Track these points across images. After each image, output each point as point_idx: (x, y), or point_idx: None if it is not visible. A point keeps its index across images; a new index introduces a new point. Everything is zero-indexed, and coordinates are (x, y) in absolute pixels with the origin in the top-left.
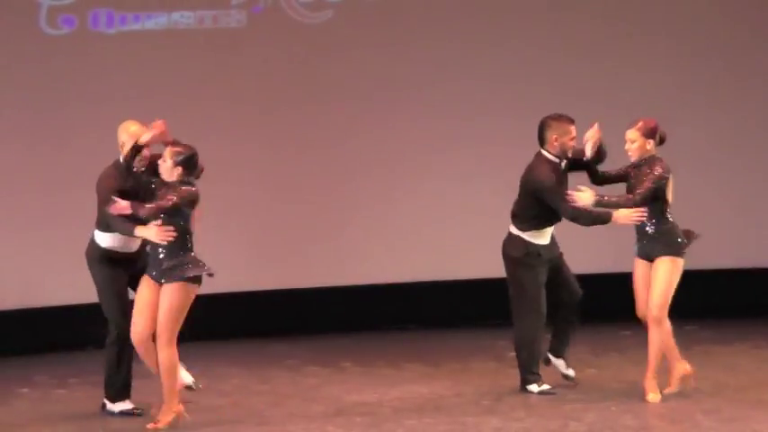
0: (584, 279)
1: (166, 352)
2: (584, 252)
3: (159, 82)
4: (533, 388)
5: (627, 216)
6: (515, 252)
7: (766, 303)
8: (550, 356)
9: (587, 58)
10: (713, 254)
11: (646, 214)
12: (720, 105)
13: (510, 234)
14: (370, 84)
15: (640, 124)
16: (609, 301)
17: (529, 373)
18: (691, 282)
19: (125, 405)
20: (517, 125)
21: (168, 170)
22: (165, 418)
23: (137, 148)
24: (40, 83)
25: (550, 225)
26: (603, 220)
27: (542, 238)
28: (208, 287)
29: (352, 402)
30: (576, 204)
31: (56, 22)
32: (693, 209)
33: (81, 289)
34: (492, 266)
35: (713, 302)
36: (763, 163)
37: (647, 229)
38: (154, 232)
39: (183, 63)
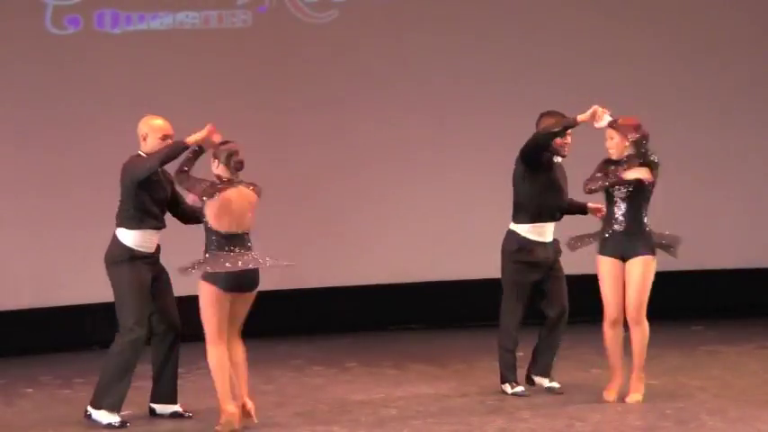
0: (587, 279)
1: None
2: (588, 252)
3: (164, 82)
4: (507, 388)
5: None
6: (506, 246)
7: None
8: (533, 377)
9: (588, 56)
10: (718, 254)
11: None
12: (720, 106)
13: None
14: (376, 83)
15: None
16: None
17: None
18: (696, 282)
19: (113, 417)
20: (521, 124)
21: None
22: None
23: (199, 151)
24: (46, 83)
25: (540, 218)
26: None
27: (537, 234)
28: None
29: (357, 402)
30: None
31: (61, 22)
32: (694, 209)
33: (86, 289)
34: (497, 266)
35: (719, 303)
36: (764, 163)
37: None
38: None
39: (188, 63)
